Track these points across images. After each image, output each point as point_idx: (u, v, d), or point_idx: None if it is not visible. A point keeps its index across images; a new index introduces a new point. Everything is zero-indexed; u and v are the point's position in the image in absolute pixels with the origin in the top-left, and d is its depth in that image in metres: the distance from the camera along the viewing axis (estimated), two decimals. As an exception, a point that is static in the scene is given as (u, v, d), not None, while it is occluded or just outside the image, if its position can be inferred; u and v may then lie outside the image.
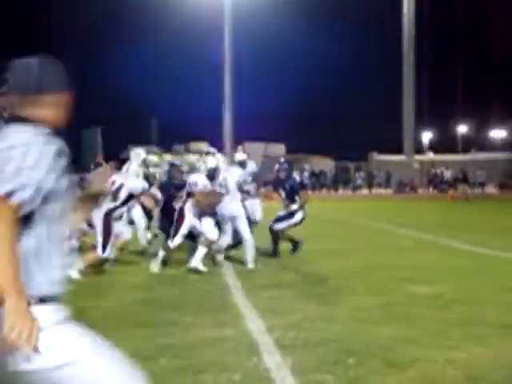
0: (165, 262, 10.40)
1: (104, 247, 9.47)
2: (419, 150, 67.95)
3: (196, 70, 78.90)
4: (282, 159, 12.98)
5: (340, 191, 54.37)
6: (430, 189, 55.04)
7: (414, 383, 4.79)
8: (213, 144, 49.72)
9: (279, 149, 62.53)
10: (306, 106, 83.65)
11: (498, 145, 74.59)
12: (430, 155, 65.80)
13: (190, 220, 10.29)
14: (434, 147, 76.93)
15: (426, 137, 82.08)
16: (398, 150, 60.69)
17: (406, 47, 56.40)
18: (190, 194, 10.45)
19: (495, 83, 79.18)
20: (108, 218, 9.60)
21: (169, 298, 8.13)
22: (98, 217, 9.60)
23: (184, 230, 10.27)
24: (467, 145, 75.61)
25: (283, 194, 11.79)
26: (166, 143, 63.15)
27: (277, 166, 12.13)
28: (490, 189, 52.21)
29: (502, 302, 7.64)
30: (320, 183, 54.54)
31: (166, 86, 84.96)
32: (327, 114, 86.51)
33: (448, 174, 53.96)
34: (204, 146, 53.03)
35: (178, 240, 10.28)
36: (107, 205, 9.62)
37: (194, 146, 59.84)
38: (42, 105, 2.56)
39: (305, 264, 10.87)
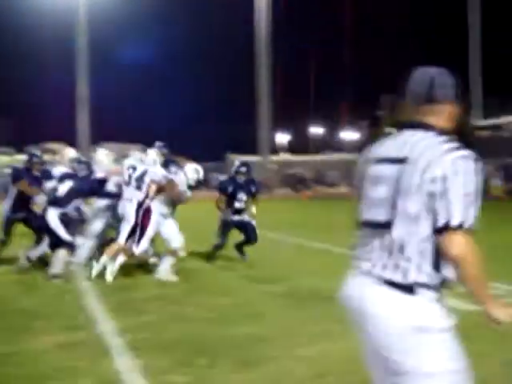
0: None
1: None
2: (275, 150, 69.20)
3: (50, 69, 76.47)
4: (237, 162, 12.15)
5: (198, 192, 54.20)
6: (286, 189, 56.14)
7: (265, 381, 4.86)
8: (70, 144, 48.37)
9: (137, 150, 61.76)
10: (161, 108, 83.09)
11: (349, 146, 77.34)
12: (286, 156, 67.24)
13: (156, 221, 9.65)
14: (290, 148, 78.78)
15: (282, 138, 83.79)
16: (255, 151, 61.53)
17: (259, 48, 57.15)
18: (159, 191, 9.87)
19: (346, 86, 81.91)
20: None
21: (20, 303, 7.83)
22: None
23: (151, 232, 9.58)
24: (320, 146, 77.84)
25: (244, 197, 11.45)
26: (19, 143, 60.77)
27: (233, 170, 11.59)
28: (343, 189, 53.97)
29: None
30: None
31: (21, 85, 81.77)
32: (190, 115, 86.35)
33: (303, 175, 55.30)
34: (59, 146, 51.57)
35: (144, 244, 9.58)
36: None
37: (50, 145, 58.04)
38: (434, 114, 2.65)
39: (156, 266, 10.77)
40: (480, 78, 27.57)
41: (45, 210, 9.65)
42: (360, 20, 78.50)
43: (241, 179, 11.38)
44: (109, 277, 9.11)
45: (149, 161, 9.96)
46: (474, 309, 7.16)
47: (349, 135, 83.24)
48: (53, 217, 9.46)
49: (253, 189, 11.45)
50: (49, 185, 10.09)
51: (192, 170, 10.49)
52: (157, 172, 9.79)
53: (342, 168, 56.98)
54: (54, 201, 9.59)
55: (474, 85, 27.67)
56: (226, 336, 6.14)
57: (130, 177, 9.68)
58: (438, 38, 71.44)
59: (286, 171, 59.10)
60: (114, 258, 9.31)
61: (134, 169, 9.75)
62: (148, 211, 9.53)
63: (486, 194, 37.29)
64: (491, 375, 4.90)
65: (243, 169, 11.48)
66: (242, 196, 11.26)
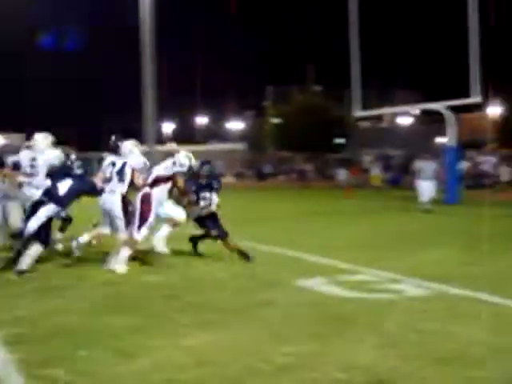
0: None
1: None
2: (161, 140, 68.75)
3: None
4: (200, 161, 11.58)
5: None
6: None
7: (145, 372, 4.84)
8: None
9: (20, 138, 59.86)
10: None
11: (234, 136, 77.85)
12: (172, 145, 66.88)
13: (155, 208, 9.59)
14: (175, 137, 78.36)
15: (168, 127, 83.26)
16: (141, 141, 60.94)
17: (144, 38, 56.55)
18: (155, 181, 9.78)
19: (232, 76, 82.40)
20: None
21: None
22: None
23: (151, 218, 9.46)
24: (206, 136, 77.94)
25: (207, 195, 10.76)
26: None
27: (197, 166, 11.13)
28: (228, 179, 54.32)
29: (233, 287, 7.99)
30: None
31: None
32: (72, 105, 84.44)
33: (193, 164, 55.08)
34: None
35: (145, 230, 9.44)
36: None
37: None
38: None
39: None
40: (359, 67, 28.31)
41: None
42: (246, 9, 79.00)
43: (203, 181, 10.93)
44: (120, 267, 9.04)
45: (124, 152, 9.73)
46: (352, 296, 7.43)
47: (234, 125, 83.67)
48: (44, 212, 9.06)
49: (215, 184, 11.03)
50: None
51: (184, 157, 10.31)
52: (136, 160, 9.68)
53: (228, 158, 57.26)
54: (56, 199, 9.18)
55: (354, 76, 28.37)
56: (105, 327, 6.08)
57: (111, 173, 9.53)
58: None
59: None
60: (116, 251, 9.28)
61: (114, 164, 9.58)
62: (148, 198, 9.53)
63: (368, 183, 38.39)
64: (368, 359, 5.08)
65: (206, 168, 11.04)
66: (206, 194, 10.94)
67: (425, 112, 63.06)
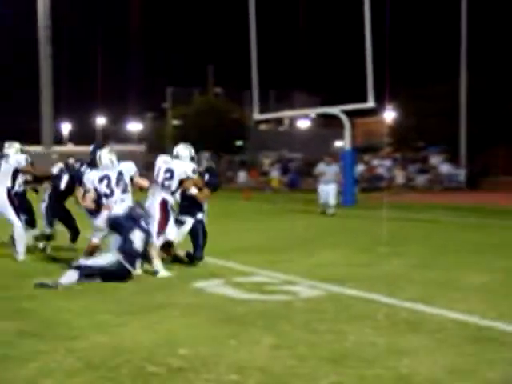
0: None
1: None
2: (60, 141, 67.41)
3: None
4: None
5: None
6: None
7: (32, 378, 4.68)
8: None
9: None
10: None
11: (133, 137, 77.09)
12: (70, 147, 65.60)
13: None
14: (74, 139, 76.88)
15: (66, 128, 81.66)
16: (38, 141, 59.46)
17: (41, 38, 55.21)
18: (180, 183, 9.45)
19: (130, 77, 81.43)
20: None
21: None
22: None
23: (171, 220, 9.34)
24: (106, 137, 76.78)
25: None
26: None
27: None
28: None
29: (129, 289, 7.87)
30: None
31: None
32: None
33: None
34: None
35: (175, 230, 9.41)
36: None
37: None
38: None
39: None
40: (257, 72, 28.52)
41: None
42: (147, 11, 78.32)
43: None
44: (164, 273, 8.89)
45: (106, 164, 9.15)
46: (248, 297, 7.43)
47: (134, 126, 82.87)
48: None
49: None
50: None
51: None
52: (129, 167, 9.28)
53: (128, 159, 56.52)
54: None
55: (253, 81, 28.58)
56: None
57: (108, 188, 9.03)
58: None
59: (69, 162, 57.50)
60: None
61: (109, 178, 9.06)
62: (164, 203, 9.31)
63: (267, 186, 38.66)
64: (263, 360, 5.08)
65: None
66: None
67: (323, 116, 64.34)
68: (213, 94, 72.82)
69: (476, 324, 6.22)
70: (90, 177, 9.21)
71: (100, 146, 9.72)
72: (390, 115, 53.15)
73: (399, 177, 36.74)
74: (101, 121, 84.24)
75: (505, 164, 58.17)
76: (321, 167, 21.37)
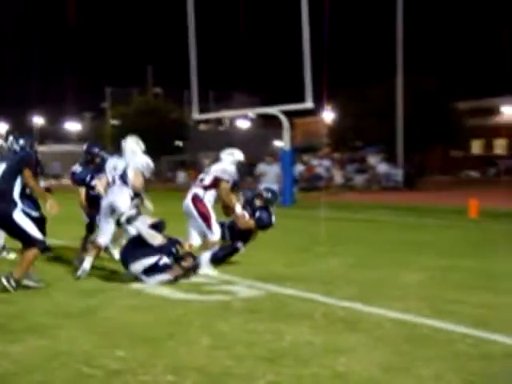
0: None
1: None
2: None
3: None
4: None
5: None
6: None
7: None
8: None
9: None
10: None
11: (72, 137, 76.05)
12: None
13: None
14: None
15: (2, 128, 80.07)
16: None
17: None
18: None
19: (67, 77, 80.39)
20: None
21: None
22: None
23: (212, 215, 9.49)
24: (43, 136, 75.59)
25: None
26: None
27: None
28: (66, 180, 52.87)
29: (68, 290, 7.78)
30: None
31: None
32: None
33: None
34: None
35: (217, 228, 9.61)
36: None
37: None
38: None
39: None
40: (196, 73, 28.49)
41: None
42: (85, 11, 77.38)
43: None
44: (211, 271, 9.12)
45: (128, 151, 9.06)
46: (186, 298, 7.43)
47: (72, 126, 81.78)
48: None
49: None
50: None
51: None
52: (137, 161, 9.03)
53: (65, 159, 55.81)
54: None
55: (192, 82, 28.55)
56: None
57: (113, 177, 8.94)
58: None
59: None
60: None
61: (115, 168, 8.95)
62: (200, 199, 9.49)
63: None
64: (200, 360, 5.08)
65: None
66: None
67: (263, 116, 64.55)
68: (152, 94, 72.34)
69: (412, 322, 6.34)
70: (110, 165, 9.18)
71: (100, 148, 10.56)
72: (329, 116, 53.65)
73: (338, 177, 37.11)
74: (38, 120, 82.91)
75: (441, 164, 59.38)
76: (262, 167, 21.37)
